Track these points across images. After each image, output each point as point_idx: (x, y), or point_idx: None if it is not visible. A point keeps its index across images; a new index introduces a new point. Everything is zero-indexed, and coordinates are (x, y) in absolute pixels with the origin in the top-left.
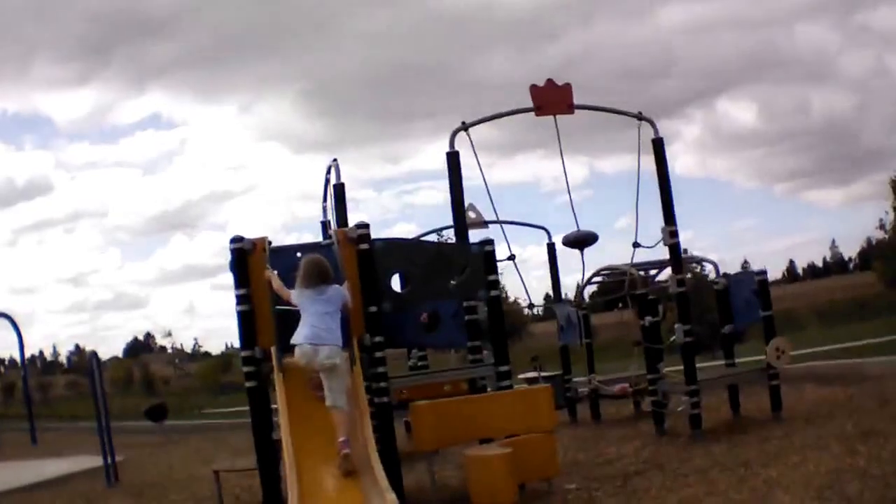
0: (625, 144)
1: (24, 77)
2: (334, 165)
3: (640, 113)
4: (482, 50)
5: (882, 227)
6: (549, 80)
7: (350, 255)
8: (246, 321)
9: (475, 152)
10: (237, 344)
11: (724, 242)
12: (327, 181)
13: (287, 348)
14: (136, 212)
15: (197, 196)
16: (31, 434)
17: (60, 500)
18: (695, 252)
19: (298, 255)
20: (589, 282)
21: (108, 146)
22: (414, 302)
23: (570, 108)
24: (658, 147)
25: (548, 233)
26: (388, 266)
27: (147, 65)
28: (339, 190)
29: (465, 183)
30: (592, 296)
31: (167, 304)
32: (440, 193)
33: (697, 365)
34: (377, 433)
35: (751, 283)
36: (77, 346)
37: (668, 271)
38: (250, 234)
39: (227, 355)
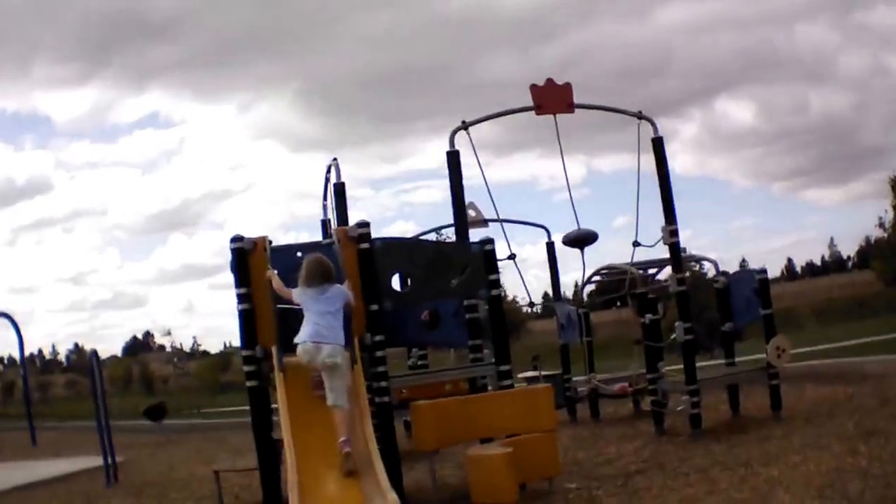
0: (623, 143)
1: (24, 77)
2: (334, 165)
3: (640, 112)
4: (481, 50)
5: (881, 225)
6: (549, 80)
7: (351, 254)
8: (247, 320)
9: (475, 151)
10: (236, 343)
11: (722, 241)
12: (327, 180)
13: (288, 348)
14: (136, 211)
15: (196, 195)
16: (30, 434)
17: (60, 499)
18: (693, 251)
19: (299, 254)
20: (589, 280)
21: (108, 145)
22: (415, 301)
23: (570, 107)
24: (658, 146)
25: (547, 231)
26: (388, 265)
27: (146, 65)
28: (340, 189)
29: (464, 182)
30: (591, 295)
31: (166, 303)
32: (439, 192)
33: (697, 364)
34: (378, 432)
35: (751, 282)
36: (76, 345)
37: (667, 270)
38: (249, 232)
39: (226, 354)
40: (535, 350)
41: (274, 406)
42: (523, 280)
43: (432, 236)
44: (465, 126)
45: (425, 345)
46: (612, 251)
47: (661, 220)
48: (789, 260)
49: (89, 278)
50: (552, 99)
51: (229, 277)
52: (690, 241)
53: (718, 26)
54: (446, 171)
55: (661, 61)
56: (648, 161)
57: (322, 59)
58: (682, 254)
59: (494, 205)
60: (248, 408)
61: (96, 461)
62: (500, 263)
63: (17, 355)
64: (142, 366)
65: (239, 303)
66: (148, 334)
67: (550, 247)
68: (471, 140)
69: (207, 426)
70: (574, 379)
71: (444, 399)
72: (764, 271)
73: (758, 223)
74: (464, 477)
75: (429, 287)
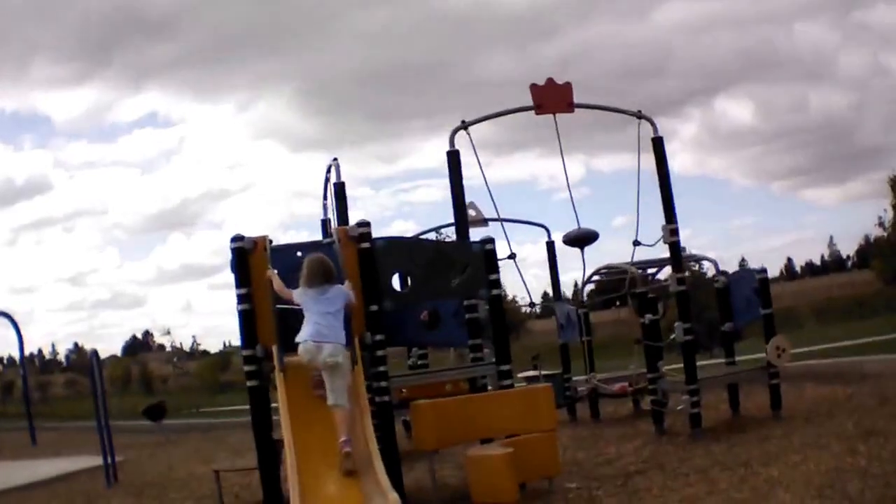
0: (622, 143)
1: (23, 76)
2: (335, 164)
3: (640, 112)
4: (480, 49)
5: (881, 224)
6: (550, 79)
7: (351, 254)
8: (247, 320)
9: (475, 151)
10: (235, 342)
11: (721, 240)
12: (327, 180)
13: (288, 347)
14: (135, 210)
15: (195, 194)
16: (30, 433)
17: (60, 499)
18: (693, 250)
19: (299, 254)
20: (589, 280)
21: (107, 145)
22: (415, 301)
23: (570, 106)
24: (658, 146)
25: (547, 231)
26: (389, 265)
27: (145, 64)
28: (340, 188)
29: (464, 181)
30: (590, 294)
31: (165, 303)
32: (437, 191)
33: (697, 364)
34: (378, 432)
35: (751, 282)
36: (76, 345)
37: (667, 270)
38: (248, 232)
39: (226, 354)
40: (534, 350)
41: (274, 405)
42: (524, 280)
43: (432, 236)
44: (465, 126)
45: (425, 344)
46: (611, 250)
47: (661, 220)
48: (789, 259)
49: (89, 278)
50: (552, 98)
51: (228, 277)
52: (690, 240)
53: (718, 26)
54: (445, 170)
55: (660, 61)
56: (648, 160)
57: (320, 56)
58: (682, 253)
59: (495, 204)
60: (247, 407)
61: (96, 461)
62: (499, 263)
63: (16, 355)
64: (141, 365)
65: (239, 302)
66: (147, 334)
67: (550, 246)
68: (471, 140)
69: (206, 426)
70: (574, 378)
71: (444, 399)
72: (764, 271)
73: (757, 222)
74: (463, 477)
75: (429, 287)
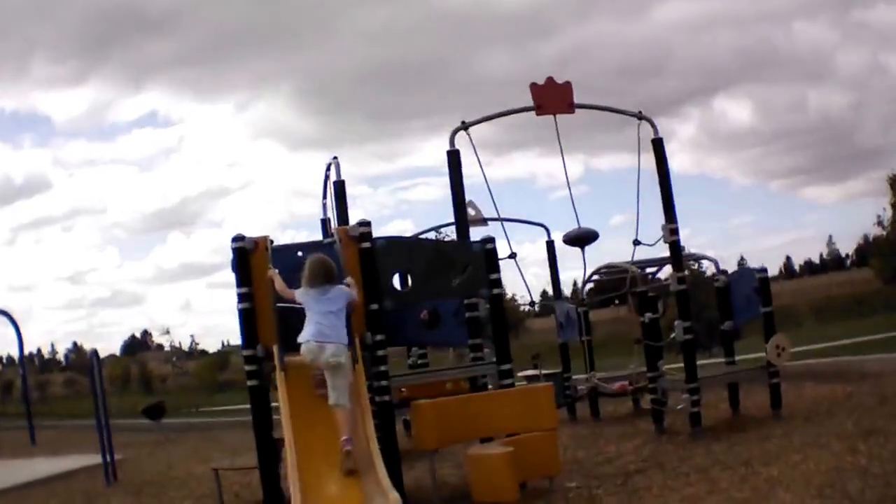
0: (620, 142)
1: (23, 75)
2: (334, 163)
3: (640, 112)
4: (478, 48)
5: (880, 223)
6: (550, 79)
7: (352, 254)
8: (247, 320)
9: (475, 151)
10: (234, 341)
11: (720, 239)
12: (327, 178)
13: (289, 347)
14: (134, 209)
15: (194, 193)
16: (29, 433)
17: (60, 498)
18: (692, 249)
19: (300, 253)
20: (589, 279)
21: (106, 144)
22: (415, 300)
23: (570, 107)
24: (658, 147)
25: (547, 230)
26: (389, 264)
27: (145, 63)
28: (340, 188)
29: (463, 181)
30: (589, 293)
31: (164, 302)
32: (436, 190)
33: (696, 363)
34: (378, 432)
35: (751, 280)
36: (75, 344)
37: (667, 269)
38: (248, 231)
39: (224, 353)
40: (534, 349)
41: (274, 405)
42: (524, 279)
43: (432, 235)
44: (465, 126)
45: (425, 344)
46: (610, 249)
47: (660, 219)
48: (787, 258)
49: (88, 277)
50: (552, 99)
51: (228, 276)
52: (689, 239)
53: (717, 25)
54: (443, 169)
55: (659, 60)
56: (647, 160)
57: (319, 55)
58: (682, 252)
59: (495, 204)
60: (246, 407)
61: (95, 460)
62: (499, 262)
63: (16, 354)
64: (140, 365)
65: (240, 302)
66: (146, 333)
67: (550, 245)
68: (471, 140)
69: (205, 425)
70: (574, 377)
71: (445, 398)
72: (764, 270)
73: (756, 221)
74: (463, 476)
75: (429, 286)
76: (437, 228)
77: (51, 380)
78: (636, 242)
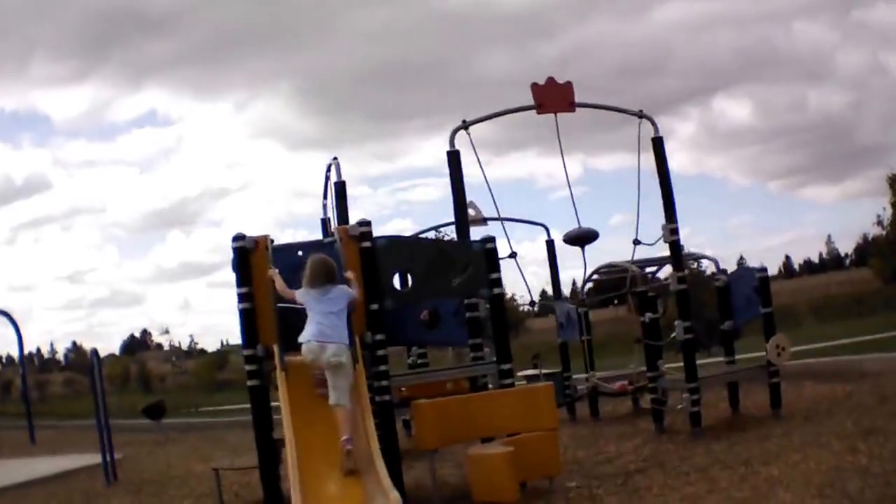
0: (619, 142)
1: (22, 75)
2: (335, 163)
3: (641, 111)
4: (478, 47)
5: (880, 223)
6: (550, 78)
7: (352, 253)
8: (248, 319)
9: (475, 150)
10: (233, 340)
11: (719, 239)
12: (327, 179)
13: (289, 347)
14: (134, 209)
15: (193, 193)
16: (29, 432)
17: (59, 497)
18: (691, 248)
19: (300, 253)
20: (589, 279)
21: (106, 144)
22: (416, 300)
23: (571, 106)
24: (658, 146)
25: (547, 230)
26: (390, 264)
27: (144, 62)
28: (340, 188)
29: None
30: (588, 293)
31: (163, 301)
32: (435, 190)
33: (696, 362)
34: (379, 431)
35: (751, 280)
36: (74, 344)
37: (667, 268)
38: (247, 230)
39: (223, 352)
40: (533, 348)
41: (274, 404)
42: (525, 279)
43: (432, 235)
44: (465, 126)
45: (425, 344)
46: (609, 249)
47: (660, 218)
48: (787, 257)
49: (87, 276)
50: (553, 98)
51: (227, 275)
52: (688, 238)
53: (717, 25)
54: (443, 169)
55: (659, 59)
56: (646, 159)
57: (319, 55)
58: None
59: (495, 203)
60: (245, 406)
61: (95, 459)
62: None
63: (15, 354)
64: (139, 364)
65: (240, 302)
66: (145, 332)
67: (550, 245)
68: (471, 140)
69: (205, 425)
70: (573, 377)
71: (445, 398)
72: (764, 270)
73: (755, 221)
74: (463, 476)
75: (430, 286)
76: (437, 228)
77: (50, 379)
78: (636, 242)
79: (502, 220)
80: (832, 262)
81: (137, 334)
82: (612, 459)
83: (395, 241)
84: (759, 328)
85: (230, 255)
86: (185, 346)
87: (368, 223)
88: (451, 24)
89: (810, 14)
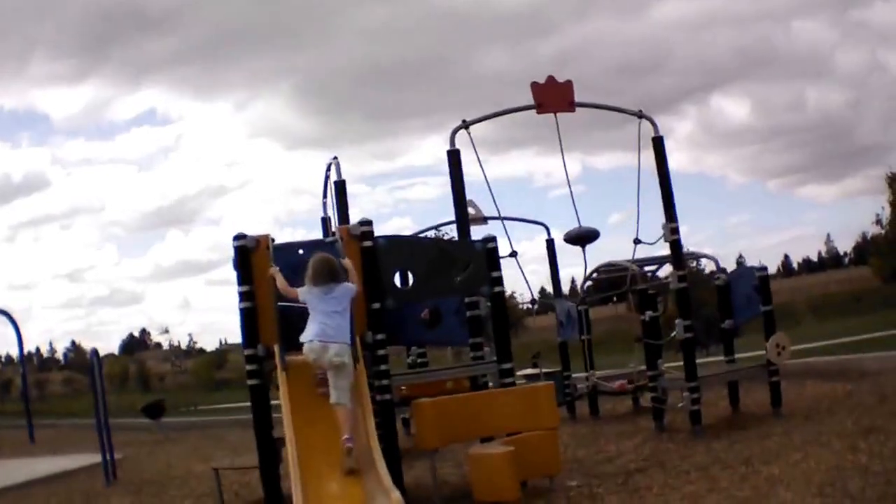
0: (618, 141)
1: (21, 74)
2: (335, 163)
3: (641, 111)
4: (476, 46)
5: (879, 222)
6: (551, 77)
7: (353, 252)
8: (249, 319)
9: (475, 150)
10: (232, 339)
11: (718, 237)
12: (327, 178)
13: (290, 346)
14: (133, 208)
15: (192, 192)
16: (28, 432)
17: (59, 497)
18: (690, 247)
19: (301, 252)
20: (589, 277)
21: (105, 142)
22: (417, 299)
23: (571, 105)
24: (658, 145)
25: (547, 229)
26: (390, 263)
27: (143, 61)
28: (340, 187)
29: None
30: (587, 291)
31: (162, 300)
32: (434, 189)
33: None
34: (379, 431)
35: (751, 279)
36: (73, 343)
37: (667, 267)
38: (246, 229)
39: (222, 351)
40: (533, 347)
41: (275, 403)
42: (525, 278)
43: (432, 234)
44: (465, 125)
45: (426, 343)
46: (607, 248)
47: (659, 217)
48: (786, 256)
49: (86, 275)
50: (553, 97)
51: (226, 273)
52: (687, 237)
53: (715, 23)
54: (441, 168)
55: (657, 58)
56: (645, 158)
57: (318, 54)
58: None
59: (495, 202)
60: (244, 405)
61: (94, 458)
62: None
63: (14, 353)
64: (138, 363)
65: (241, 301)
66: (144, 332)
67: (550, 244)
68: (471, 139)
69: (204, 424)
70: (573, 376)
71: (446, 397)
72: (764, 269)
73: (754, 220)
74: (464, 475)
75: (431, 285)
76: (437, 227)
77: (49, 378)
78: (637, 241)
79: (502, 218)
80: (831, 260)
81: (136, 333)
82: (612, 458)
83: (395, 241)
84: (759, 327)
85: (229, 253)
86: (184, 345)
87: (370, 223)
88: (450, 22)
89: (809, 13)
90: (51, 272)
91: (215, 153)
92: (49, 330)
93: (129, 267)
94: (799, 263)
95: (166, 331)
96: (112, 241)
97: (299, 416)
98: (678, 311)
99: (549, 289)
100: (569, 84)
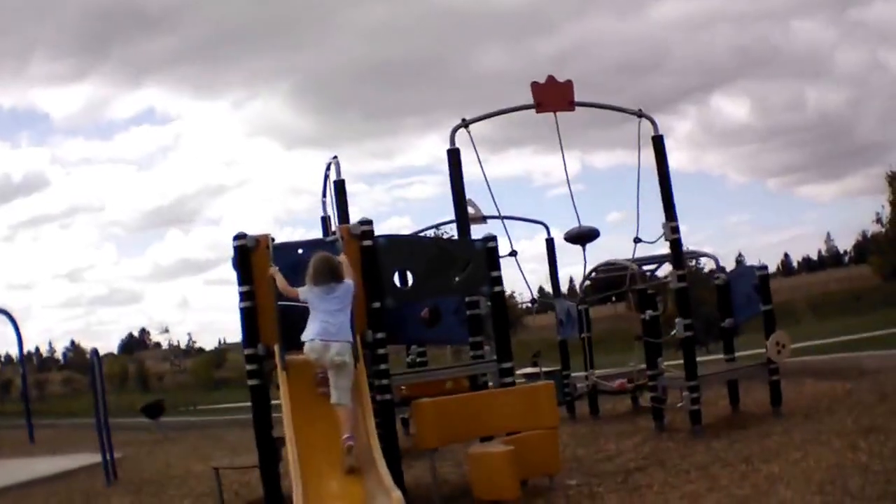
0: (617, 140)
1: (21, 73)
2: (334, 162)
3: (641, 110)
4: (475, 45)
5: (878, 220)
6: (551, 77)
7: (353, 251)
8: (249, 318)
9: (475, 149)
10: (231, 339)
11: (718, 236)
12: (327, 177)
13: (290, 346)
14: (132, 207)
15: (192, 191)
16: (28, 431)
17: (60, 497)
18: (690, 246)
19: (300, 251)
20: (589, 276)
21: (104, 142)
22: (417, 298)
23: (570, 105)
24: (658, 144)
25: (546, 228)
26: (390, 262)
27: (142, 61)
28: (340, 186)
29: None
30: (586, 290)
31: (162, 299)
32: (432, 188)
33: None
34: (379, 430)
35: (751, 278)
36: (73, 343)
37: (666, 266)
38: (245, 228)
39: (221, 351)
40: (532, 346)
41: (274, 402)
42: (525, 278)
43: (431, 233)
44: (465, 124)
45: (426, 342)
46: (606, 247)
47: (658, 216)
48: (786, 255)
49: (86, 274)
50: (553, 97)
51: (225, 273)
52: (686, 236)
53: (715, 22)
54: (440, 167)
55: (657, 57)
56: (644, 156)
57: (317, 53)
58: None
59: (495, 202)
60: (244, 404)
61: (94, 458)
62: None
63: (14, 353)
64: (138, 363)
65: (241, 300)
66: (144, 331)
67: (550, 243)
68: (471, 138)
69: (204, 423)
70: (573, 375)
71: (446, 397)
72: (764, 268)
73: (753, 219)
74: (463, 474)
75: (431, 284)
76: (436, 226)
77: (49, 378)
78: (637, 240)
79: (502, 218)
80: (831, 259)
81: (136, 333)
82: (612, 457)
83: (395, 240)
84: (759, 326)
85: (229, 252)
86: (183, 345)
87: (370, 222)
88: (449, 21)
89: (808, 12)
90: (50, 272)
91: (214, 152)
92: (48, 329)
93: (129, 266)
94: (799, 262)
95: (166, 330)
96: (111, 241)
97: (299, 416)
98: (678, 310)
99: (548, 288)
100: (569, 84)
